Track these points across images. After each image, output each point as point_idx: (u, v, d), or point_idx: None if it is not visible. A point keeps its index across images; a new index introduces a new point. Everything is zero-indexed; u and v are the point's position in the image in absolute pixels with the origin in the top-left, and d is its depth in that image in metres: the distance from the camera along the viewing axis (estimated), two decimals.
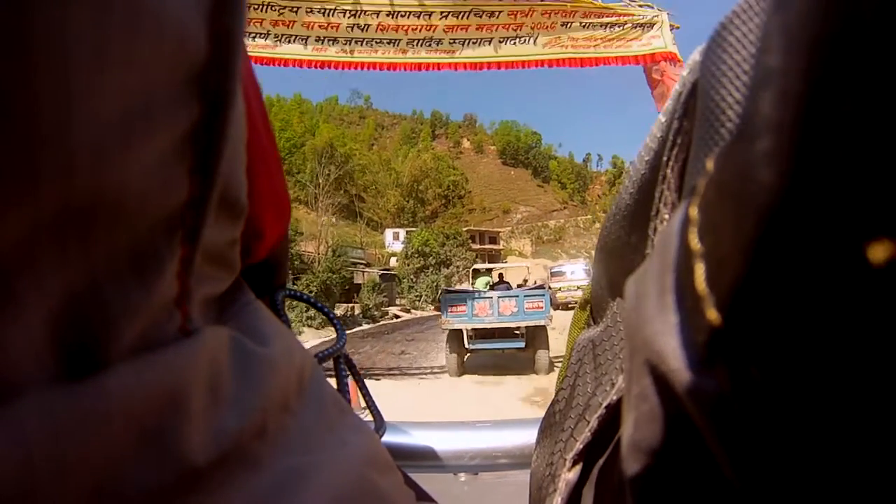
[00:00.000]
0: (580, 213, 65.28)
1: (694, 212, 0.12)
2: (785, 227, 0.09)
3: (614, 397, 0.21)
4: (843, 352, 0.09)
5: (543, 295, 7.53)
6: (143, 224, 0.15)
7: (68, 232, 0.13)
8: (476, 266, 11.85)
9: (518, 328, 7.62)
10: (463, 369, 7.95)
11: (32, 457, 0.11)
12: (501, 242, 50.83)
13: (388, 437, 0.51)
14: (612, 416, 0.21)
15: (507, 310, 7.42)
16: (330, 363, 0.37)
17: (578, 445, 0.23)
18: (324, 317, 0.39)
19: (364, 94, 79.52)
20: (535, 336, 7.64)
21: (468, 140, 74.22)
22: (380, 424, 0.42)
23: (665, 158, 0.18)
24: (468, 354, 8.15)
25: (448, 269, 28.08)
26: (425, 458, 0.54)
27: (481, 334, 7.74)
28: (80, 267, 0.13)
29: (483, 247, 45.23)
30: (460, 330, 7.67)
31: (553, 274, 21.49)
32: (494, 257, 45.24)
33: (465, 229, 43.42)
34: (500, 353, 8.21)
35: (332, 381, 0.31)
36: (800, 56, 0.09)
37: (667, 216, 0.18)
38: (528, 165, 71.76)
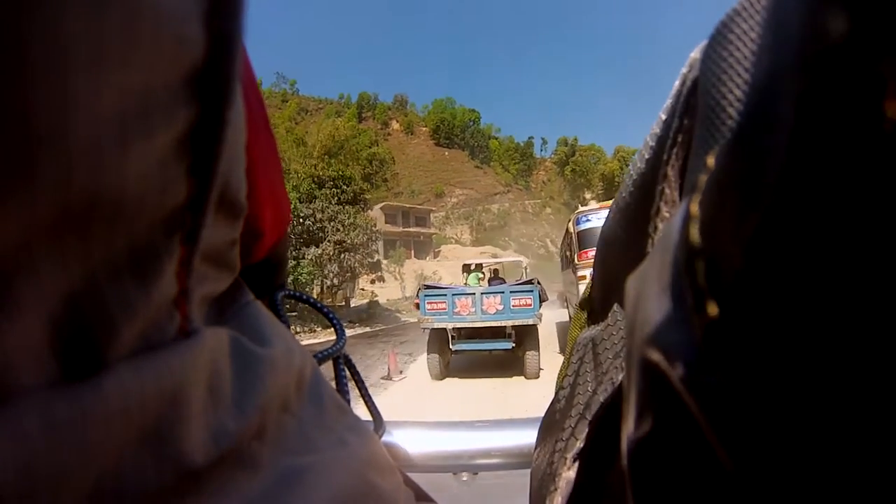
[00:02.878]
0: (526, 198, 56.55)
1: (695, 208, 0.12)
2: (786, 224, 0.09)
3: (615, 396, 0.21)
4: (841, 347, 0.09)
5: (532, 291, 6.77)
6: (142, 225, 0.15)
7: (67, 232, 0.13)
8: (467, 261, 10.85)
9: (508, 327, 6.87)
10: (446, 372, 7.34)
11: (32, 457, 0.11)
12: (434, 227, 41.21)
13: (387, 438, 0.51)
14: (613, 414, 0.21)
15: (491, 307, 6.75)
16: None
17: (579, 444, 0.23)
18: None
19: (290, 78, 74.83)
20: (525, 336, 6.94)
21: (397, 122, 68.90)
22: (379, 424, 0.42)
23: (666, 156, 0.18)
24: (452, 356, 7.45)
25: (318, 247, 15.65)
26: (425, 458, 0.54)
27: (467, 334, 7.16)
28: (79, 267, 0.13)
29: (408, 229, 35.32)
30: (443, 329, 6.98)
31: None
32: (423, 244, 35.16)
33: (383, 204, 33.23)
34: (488, 354, 7.54)
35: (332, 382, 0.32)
36: (800, 54, 0.09)
37: (668, 213, 0.18)
38: (465, 146, 63.27)
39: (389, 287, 25.84)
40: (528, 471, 0.31)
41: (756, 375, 0.10)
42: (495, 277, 9.28)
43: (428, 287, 7.50)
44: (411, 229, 36.07)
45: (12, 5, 0.10)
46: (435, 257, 36.92)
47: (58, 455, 0.12)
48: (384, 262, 25.44)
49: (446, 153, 63.85)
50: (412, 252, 34.92)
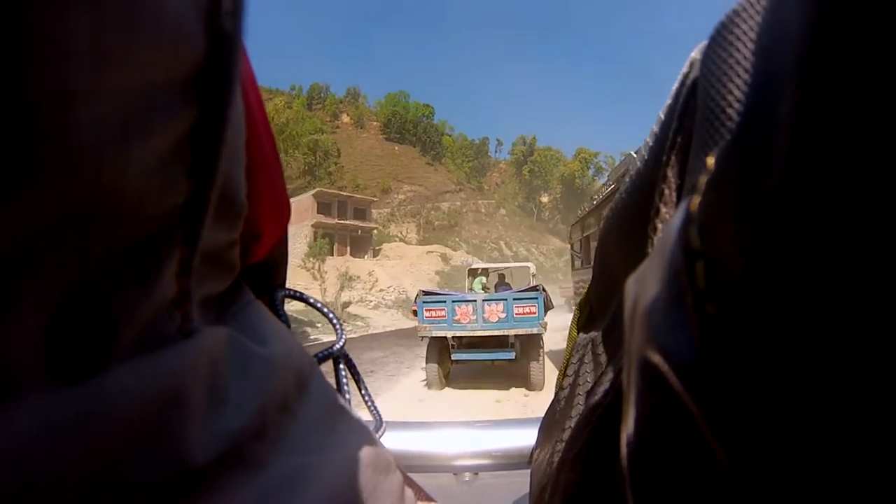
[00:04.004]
0: (479, 198, 52.82)
1: (695, 210, 0.12)
2: (786, 226, 0.09)
3: (615, 396, 0.21)
4: (840, 347, 0.09)
5: (537, 298, 6.38)
6: (142, 225, 0.15)
7: (67, 232, 0.13)
8: (472, 266, 10.54)
9: (511, 336, 6.54)
10: (445, 382, 7.01)
11: (32, 457, 0.11)
12: (377, 223, 36.98)
13: (387, 437, 0.50)
14: (613, 414, 0.21)
15: (493, 315, 6.42)
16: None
17: (579, 444, 0.23)
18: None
19: None
20: (528, 346, 6.60)
21: (348, 115, 64.06)
22: (379, 424, 0.42)
23: (665, 157, 0.18)
24: (452, 366, 7.10)
25: None
26: (425, 458, 0.54)
27: (468, 343, 6.75)
28: (79, 267, 0.13)
29: (344, 222, 30.36)
30: (443, 338, 6.65)
31: None
32: (361, 240, 30.57)
33: (316, 190, 28.52)
34: (491, 364, 7.10)
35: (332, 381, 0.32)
36: (800, 55, 0.09)
37: (667, 215, 0.18)
38: (417, 142, 59.08)
39: (311, 289, 21.22)
40: (528, 471, 0.32)
41: (755, 376, 0.10)
42: (501, 283, 8.89)
43: (426, 293, 7.02)
44: (349, 222, 31.30)
45: (13, 5, 0.10)
46: (374, 256, 32.45)
47: (58, 455, 0.12)
48: (301, 258, 20.79)
49: (396, 148, 59.51)
50: (347, 248, 30.29)
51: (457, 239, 41.84)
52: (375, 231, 35.43)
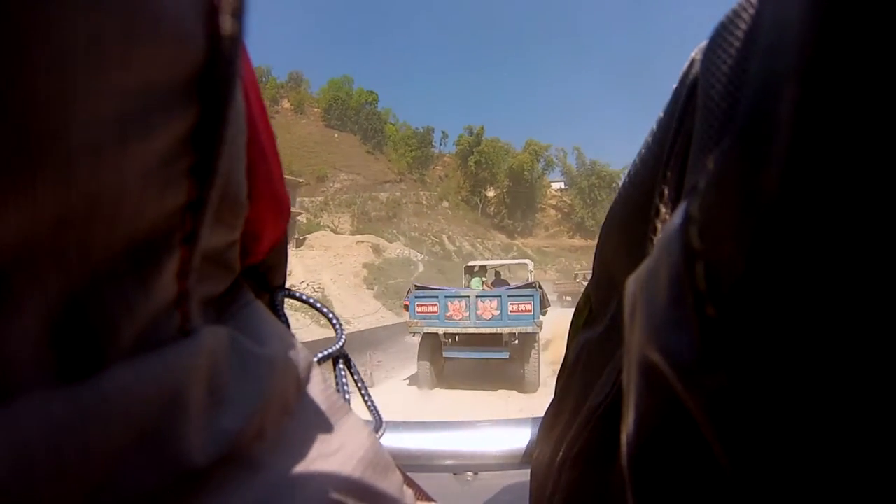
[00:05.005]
0: (421, 189, 49.69)
1: (695, 210, 0.12)
2: (786, 227, 0.09)
3: (614, 396, 0.21)
4: (840, 348, 0.09)
5: (532, 296, 6.29)
6: (143, 225, 0.14)
7: (67, 232, 0.13)
8: (469, 263, 10.16)
9: (505, 334, 6.44)
10: (436, 381, 6.82)
11: (31, 457, 0.11)
12: (307, 211, 33.08)
13: (387, 438, 0.51)
14: (613, 414, 0.21)
15: (486, 312, 6.35)
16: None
17: (579, 444, 0.23)
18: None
19: None
20: (523, 345, 6.48)
21: (288, 100, 61.46)
22: (379, 425, 0.42)
23: (665, 157, 0.18)
24: (445, 363, 7.03)
25: None
26: (425, 458, 0.54)
27: (461, 341, 6.70)
28: (79, 267, 0.13)
29: None
30: (436, 335, 6.58)
31: None
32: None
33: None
34: (484, 363, 7.00)
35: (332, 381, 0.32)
36: (800, 56, 0.09)
37: (667, 215, 0.18)
38: (359, 129, 55.24)
39: None
40: (528, 471, 0.32)
41: (755, 376, 0.10)
42: (498, 280, 8.80)
43: (419, 288, 6.91)
44: None
45: (12, 5, 0.10)
46: (298, 246, 28.81)
47: (58, 455, 0.12)
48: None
49: (336, 135, 54.95)
50: None
51: (394, 231, 38.71)
52: (302, 219, 31.74)
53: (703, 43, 0.15)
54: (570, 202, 53.96)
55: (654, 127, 0.20)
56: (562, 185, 56.53)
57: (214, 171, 0.16)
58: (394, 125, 60.00)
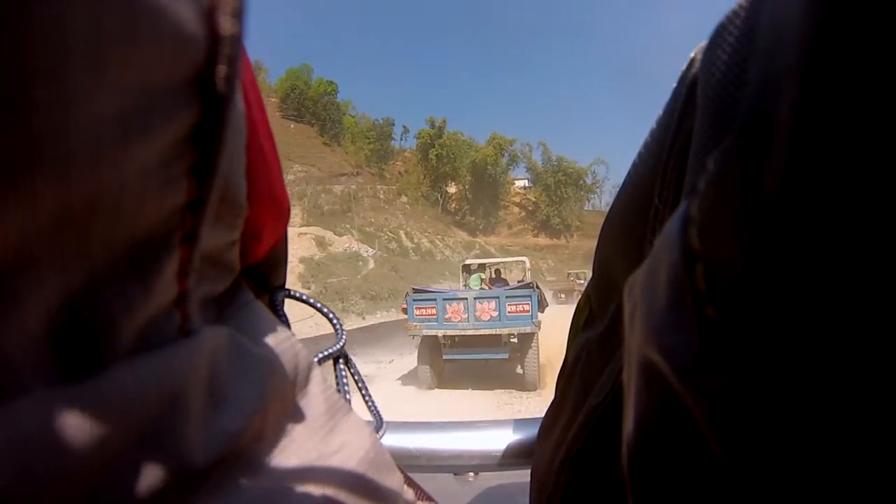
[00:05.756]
0: (379, 183, 46.86)
1: (695, 211, 0.12)
2: (786, 227, 0.09)
3: (614, 396, 0.21)
4: (839, 348, 0.09)
5: (530, 296, 6.33)
6: (142, 225, 0.15)
7: (67, 232, 0.13)
8: (467, 261, 10.27)
9: (504, 335, 6.48)
10: (436, 382, 6.86)
11: (31, 457, 0.11)
12: None
13: (388, 438, 0.51)
14: (613, 414, 0.21)
15: (485, 313, 6.38)
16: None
17: (579, 444, 0.23)
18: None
19: None
20: (522, 345, 6.53)
21: None
22: (380, 424, 0.42)
23: (665, 157, 0.18)
24: (445, 365, 7.07)
25: None
26: (425, 458, 0.54)
27: (460, 342, 6.69)
28: (79, 267, 0.13)
29: None
30: (435, 337, 6.58)
31: None
32: None
33: None
34: (484, 363, 7.08)
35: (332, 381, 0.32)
36: (799, 56, 0.09)
37: (667, 216, 0.18)
38: (316, 120, 51.91)
39: None
40: (528, 471, 0.32)
41: (754, 376, 0.10)
42: (497, 279, 8.84)
43: (416, 290, 6.98)
44: None
45: (13, 4, 0.10)
46: None
47: (58, 455, 0.12)
48: None
49: (292, 126, 51.57)
50: None
51: (347, 225, 35.94)
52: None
53: (703, 42, 0.15)
54: (534, 200, 52.15)
55: (654, 126, 0.19)
56: (525, 182, 54.69)
57: (214, 171, 0.16)
58: (353, 117, 56.67)
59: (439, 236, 42.49)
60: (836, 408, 0.09)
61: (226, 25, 0.15)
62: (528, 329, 6.19)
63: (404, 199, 47.65)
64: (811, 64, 0.09)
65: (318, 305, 0.38)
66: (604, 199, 56.78)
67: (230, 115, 0.16)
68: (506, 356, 6.57)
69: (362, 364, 6.77)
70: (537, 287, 6.51)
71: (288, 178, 46.06)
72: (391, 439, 0.52)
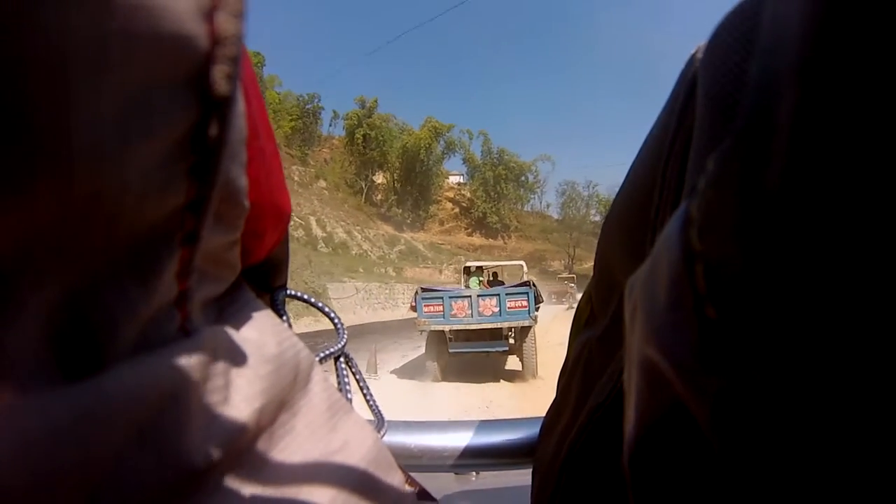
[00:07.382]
0: (297, 164, 40.72)
1: (695, 211, 0.12)
2: (786, 227, 0.09)
3: (615, 396, 0.22)
4: (840, 348, 0.09)
5: (527, 293, 7.09)
6: (143, 225, 0.15)
7: (67, 233, 0.13)
8: (467, 264, 10.87)
9: (504, 329, 7.31)
10: (442, 375, 7.60)
11: (32, 457, 0.11)
12: None
13: (389, 436, 0.51)
14: (613, 414, 0.21)
15: (487, 309, 7.12)
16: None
17: (580, 443, 0.23)
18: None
19: None
20: (521, 337, 7.35)
21: None
22: (381, 423, 0.42)
23: (665, 157, 0.18)
24: (450, 358, 7.75)
25: None
26: (426, 457, 0.54)
27: (464, 336, 7.45)
28: (80, 268, 0.13)
29: None
30: (441, 332, 7.35)
31: None
32: None
33: None
34: (486, 356, 7.82)
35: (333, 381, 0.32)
36: (799, 56, 0.09)
37: (667, 215, 0.18)
38: None
39: None
40: (529, 471, 0.32)
41: (755, 376, 0.10)
42: (495, 281, 9.61)
43: (425, 290, 7.55)
44: None
45: (13, 5, 0.10)
46: None
47: (58, 455, 0.12)
48: None
49: None
50: None
51: None
52: None
53: (703, 43, 0.15)
54: (469, 196, 48.02)
55: (654, 126, 0.20)
56: (461, 178, 50.43)
57: (215, 171, 0.16)
58: (278, 94, 49.83)
59: (359, 227, 37.44)
60: (838, 407, 0.09)
61: (226, 25, 0.15)
62: (526, 322, 6.95)
63: (323, 183, 41.95)
64: (811, 64, 0.09)
65: (320, 305, 0.38)
66: (545, 200, 53.64)
67: (231, 115, 0.16)
68: (506, 348, 7.31)
69: None
70: (533, 285, 7.10)
71: None
72: (392, 438, 0.52)
